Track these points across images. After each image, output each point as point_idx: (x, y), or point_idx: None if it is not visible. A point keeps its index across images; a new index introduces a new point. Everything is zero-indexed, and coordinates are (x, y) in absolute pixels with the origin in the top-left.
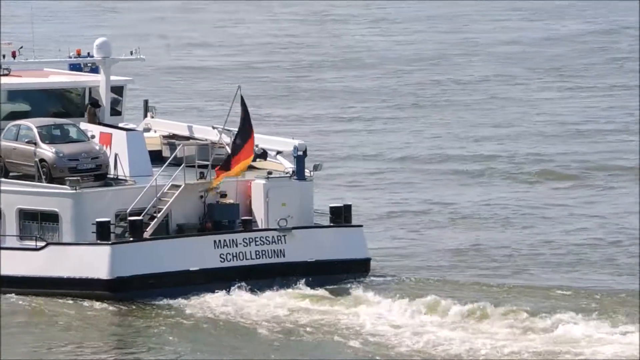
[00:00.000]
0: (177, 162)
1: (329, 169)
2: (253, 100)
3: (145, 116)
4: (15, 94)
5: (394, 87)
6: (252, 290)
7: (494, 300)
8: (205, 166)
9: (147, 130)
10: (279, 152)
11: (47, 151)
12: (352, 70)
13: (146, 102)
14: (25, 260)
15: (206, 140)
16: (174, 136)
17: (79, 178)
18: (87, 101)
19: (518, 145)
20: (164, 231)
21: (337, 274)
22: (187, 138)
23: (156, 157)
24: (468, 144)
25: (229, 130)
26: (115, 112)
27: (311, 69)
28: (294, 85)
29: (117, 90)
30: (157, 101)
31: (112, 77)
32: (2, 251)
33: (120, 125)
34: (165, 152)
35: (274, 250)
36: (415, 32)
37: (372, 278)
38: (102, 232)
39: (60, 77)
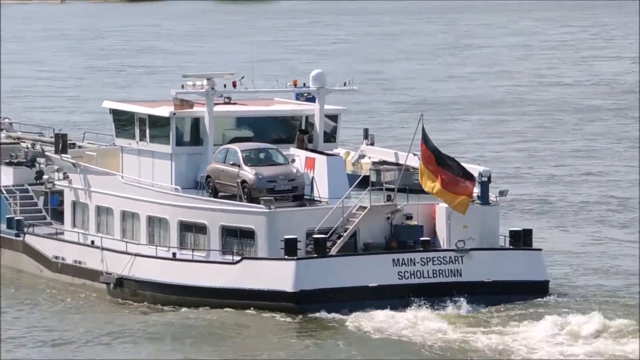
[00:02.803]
0: (381, 186)
1: None
2: None
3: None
4: (242, 121)
5: None
6: (427, 308)
7: None
8: (401, 190)
9: (362, 156)
10: None
11: (248, 173)
12: None
13: (366, 130)
14: (224, 272)
15: (404, 165)
16: (383, 162)
17: (272, 198)
18: (303, 128)
19: None
20: (352, 249)
21: (514, 295)
22: (396, 164)
23: (367, 182)
24: None
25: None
26: (330, 139)
27: None
28: None
29: (332, 118)
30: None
31: (328, 106)
32: (205, 264)
33: (334, 151)
34: (372, 177)
35: (451, 270)
36: None
37: (549, 299)
38: (290, 248)
39: (280, 106)
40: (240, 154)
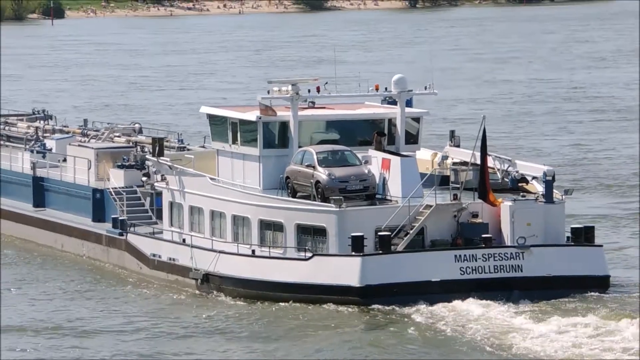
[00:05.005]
0: (462, 186)
1: None
2: None
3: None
4: (330, 124)
5: None
6: (488, 302)
7: None
8: (468, 189)
9: (446, 157)
10: (534, 178)
11: (321, 174)
12: None
13: (452, 132)
14: (296, 268)
15: (470, 165)
16: (463, 163)
17: (342, 197)
18: (386, 131)
19: None
20: (420, 246)
21: (575, 289)
22: (475, 164)
23: (446, 182)
24: None
25: (498, 157)
26: (412, 140)
27: None
28: None
29: (415, 120)
30: None
31: (410, 109)
32: (280, 260)
33: (415, 153)
34: (452, 177)
35: (512, 265)
36: None
37: (611, 294)
38: (356, 245)
39: (365, 110)
40: (315, 156)
